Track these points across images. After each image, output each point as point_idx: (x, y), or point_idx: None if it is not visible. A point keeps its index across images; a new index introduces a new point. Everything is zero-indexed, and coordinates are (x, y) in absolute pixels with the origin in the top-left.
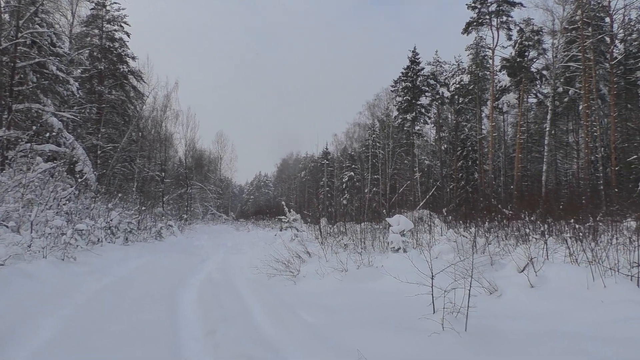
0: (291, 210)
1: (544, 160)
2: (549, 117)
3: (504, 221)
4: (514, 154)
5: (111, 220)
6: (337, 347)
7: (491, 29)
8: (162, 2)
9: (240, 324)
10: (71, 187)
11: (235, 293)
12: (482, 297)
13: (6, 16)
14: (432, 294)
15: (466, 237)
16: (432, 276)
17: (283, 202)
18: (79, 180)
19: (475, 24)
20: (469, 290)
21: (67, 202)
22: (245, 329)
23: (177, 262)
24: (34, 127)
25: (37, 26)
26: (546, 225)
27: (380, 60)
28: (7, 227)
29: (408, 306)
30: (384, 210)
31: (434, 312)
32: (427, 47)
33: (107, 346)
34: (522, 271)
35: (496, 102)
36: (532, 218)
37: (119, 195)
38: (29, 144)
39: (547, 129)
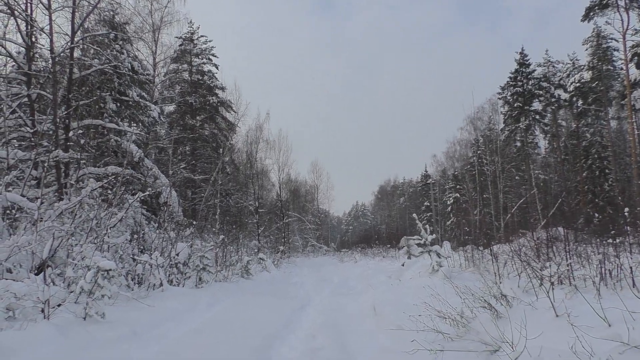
0: (427, 226)
1: None
2: None
3: None
4: None
5: (177, 255)
6: None
7: (618, 11)
8: (248, 29)
9: None
10: (121, 211)
11: None
12: None
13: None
14: None
15: None
16: None
17: (415, 215)
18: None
19: (597, 7)
20: None
21: (125, 232)
22: None
23: (264, 310)
24: (108, 153)
25: (99, 29)
26: None
27: (477, 76)
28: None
29: None
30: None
31: None
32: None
33: None
34: None
35: (625, 100)
36: None
37: (194, 223)
38: (86, 168)
39: None
